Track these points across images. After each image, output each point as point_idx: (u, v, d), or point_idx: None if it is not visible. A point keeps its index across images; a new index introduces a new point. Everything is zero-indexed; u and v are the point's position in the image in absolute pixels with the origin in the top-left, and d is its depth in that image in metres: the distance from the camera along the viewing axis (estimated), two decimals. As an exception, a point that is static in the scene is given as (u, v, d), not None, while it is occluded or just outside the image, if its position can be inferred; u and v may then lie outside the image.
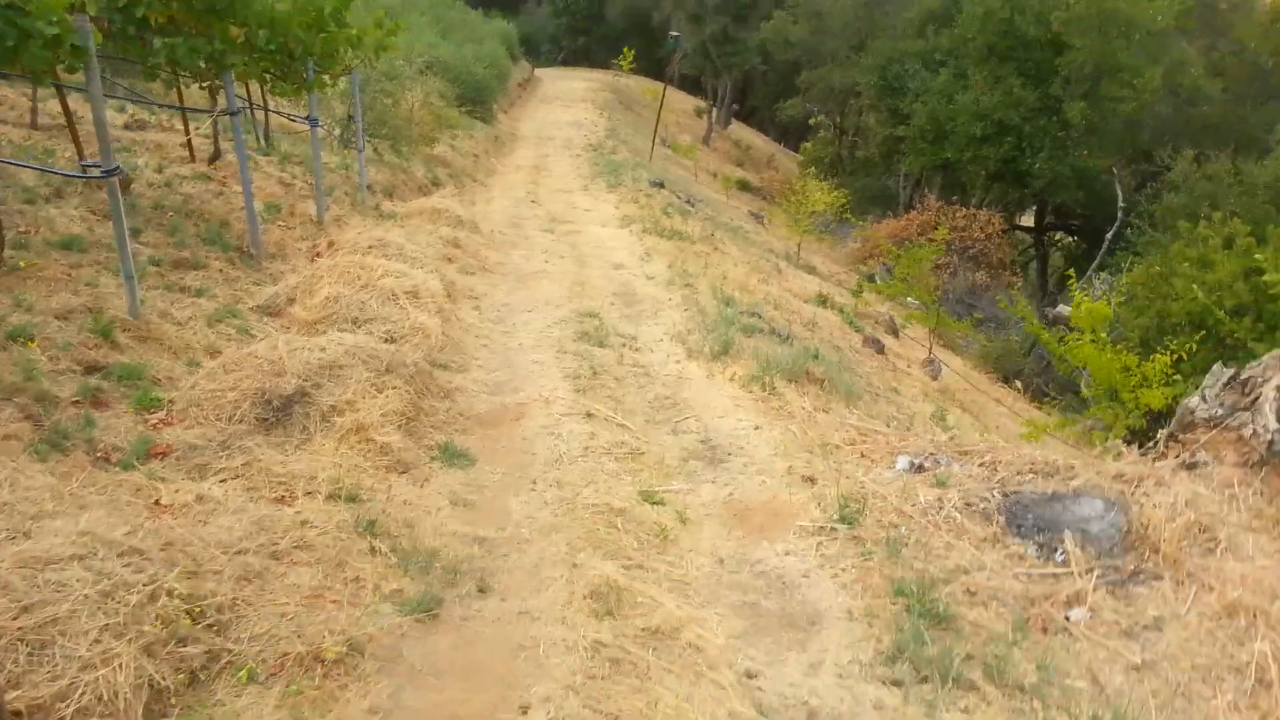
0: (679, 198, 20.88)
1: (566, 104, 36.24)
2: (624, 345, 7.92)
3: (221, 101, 9.17)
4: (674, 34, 28.96)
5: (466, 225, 12.50)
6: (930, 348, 13.89)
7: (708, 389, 6.95)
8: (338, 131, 14.66)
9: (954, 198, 25.49)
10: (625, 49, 44.24)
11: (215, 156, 9.92)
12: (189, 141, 9.76)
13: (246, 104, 11.17)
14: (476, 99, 26.73)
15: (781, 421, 6.29)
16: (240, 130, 8.04)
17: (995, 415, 12.81)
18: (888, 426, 6.99)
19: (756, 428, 6.18)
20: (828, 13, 33.02)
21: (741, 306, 10.33)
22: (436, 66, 24.85)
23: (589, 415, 6.09)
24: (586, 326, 8.25)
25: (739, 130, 47.24)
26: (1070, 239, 28.37)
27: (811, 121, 34.94)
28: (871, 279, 22.30)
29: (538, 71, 44.91)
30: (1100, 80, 23.31)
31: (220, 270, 7.37)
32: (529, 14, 56.15)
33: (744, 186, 33.10)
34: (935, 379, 12.43)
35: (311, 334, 6.11)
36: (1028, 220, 30.14)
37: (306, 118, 9.82)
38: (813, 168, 36.08)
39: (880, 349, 12.20)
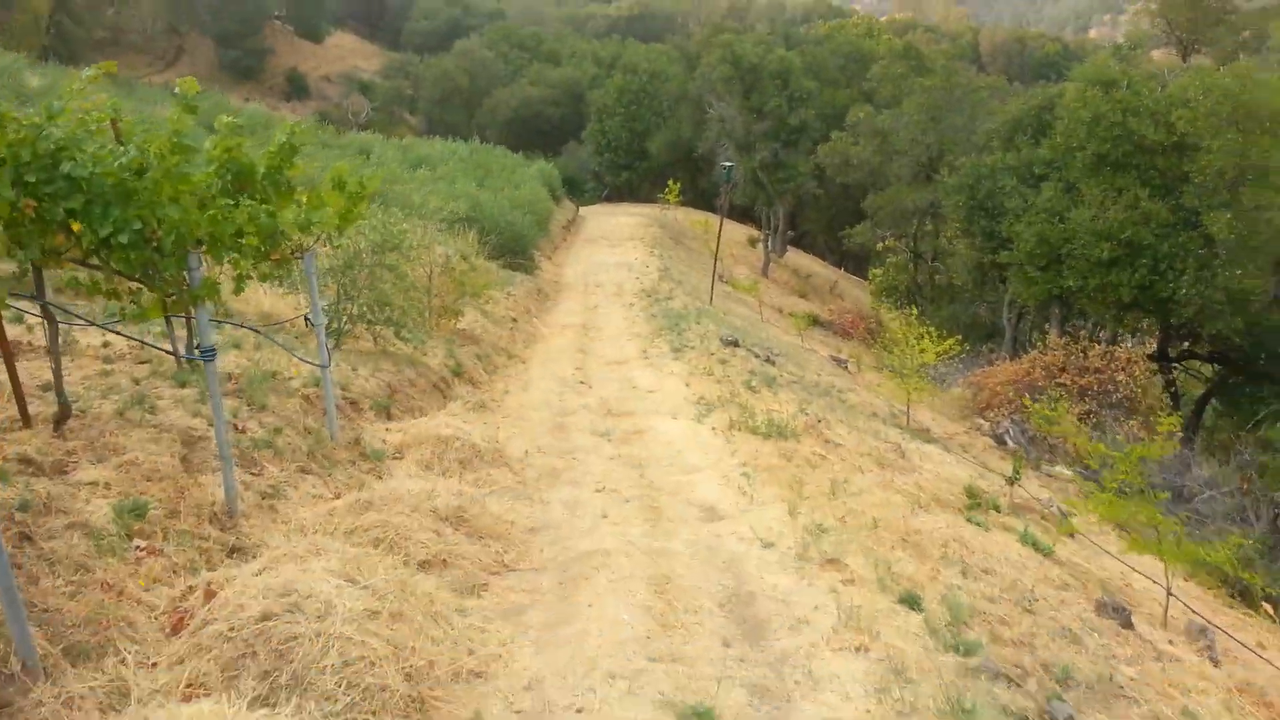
0: (757, 355, 16.70)
1: (613, 243, 32.73)
2: None
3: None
4: (726, 163, 25.43)
5: (486, 458, 8.33)
6: (1167, 593, 9.13)
7: None
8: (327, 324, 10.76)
9: (1077, 328, 20.95)
10: (670, 181, 41.22)
11: (63, 416, 5.89)
12: (18, 393, 5.73)
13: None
14: (515, 249, 23.21)
15: None
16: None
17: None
18: None
19: None
20: (891, 130, 29.33)
21: (939, 618, 5.84)
22: (469, 219, 21.45)
23: None
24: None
25: (796, 257, 43.55)
26: (1210, 366, 23.47)
27: (880, 246, 30.98)
28: (1001, 439, 17.69)
29: (582, 210, 41.94)
30: (1243, 185, 18.95)
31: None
32: (570, 153, 53.93)
33: (814, 322, 28.93)
34: (1217, 664, 7.71)
35: None
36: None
37: (199, 348, 5.74)
38: (887, 297, 32.05)
39: (1126, 619, 7.59)
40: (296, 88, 62.95)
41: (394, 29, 79.32)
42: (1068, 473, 16.14)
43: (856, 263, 48.44)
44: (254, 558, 5.15)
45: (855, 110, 31.37)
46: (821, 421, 12.06)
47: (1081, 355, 19.03)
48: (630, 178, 50.85)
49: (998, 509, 11.48)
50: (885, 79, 32.81)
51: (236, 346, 9.04)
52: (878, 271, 32.62)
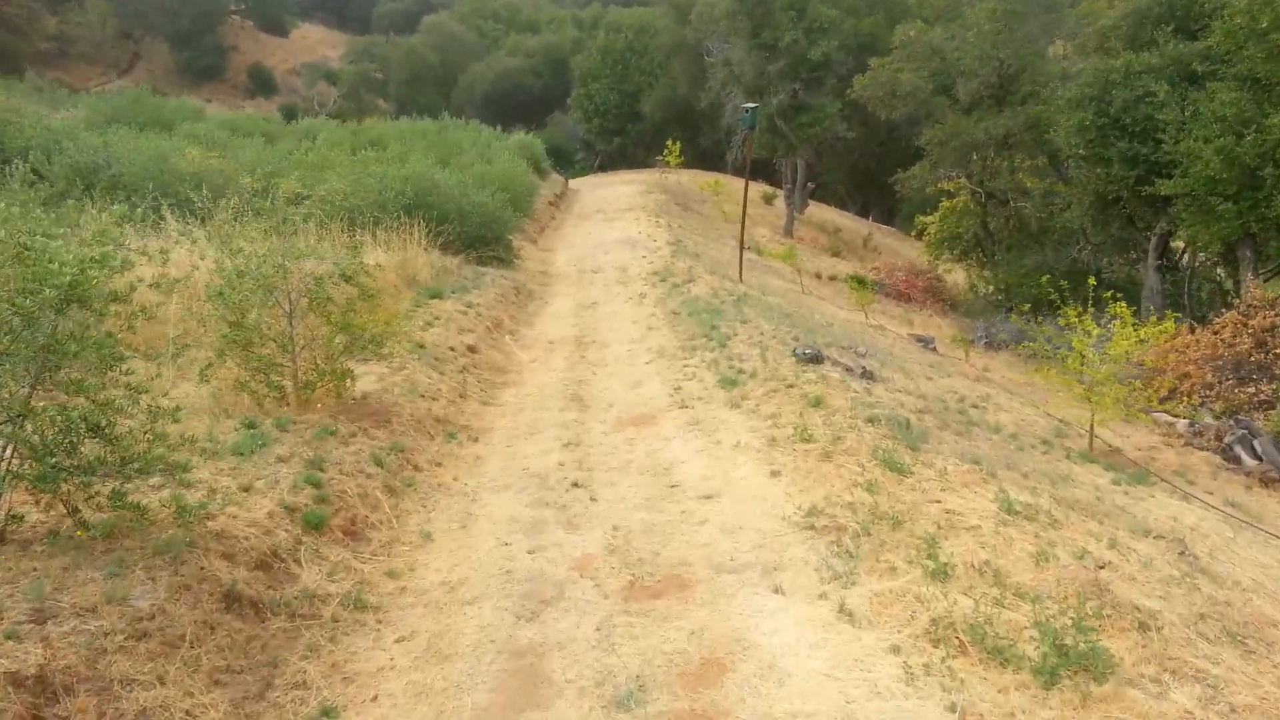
0: (849, 369, 9.83)
1: (611, 217, 25.73)
2: None
3: None
4: (748, 106, 18.23)
5: None
6: None
7: None
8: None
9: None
10: (669, 142, 34.17)
11: None
12: None
13: None
14: (486, 237, 16.31)
15: None
16: None
17: None
18: None
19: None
20: (950, 49, 21.96)
21: None
22: (415, 205, 14.63)
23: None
24: None
25: (818, 211, 36.36)
26: None
27: (934, 188, 23.87)
28: (1230, 453, 10.80)
29: (573, 182, 34.87)
30: None
31: None
32: (557, 124, 46.65)
33: (865, 285, 21.81)
34: None
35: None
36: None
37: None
38: (949, 248, 25.07)
39: None
40: (260, 84, 55.45)
41: (362, 16, 71.37)
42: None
43: (880, 213, 41.14)
44: None
45: (903, 28, 23.89)
46: (1103, 565, 5.24)
47: (1306, 316, 12.11)
48: (623, 143, 43.59)
49: None
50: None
51: None
52: (928, 219, 25.44)
